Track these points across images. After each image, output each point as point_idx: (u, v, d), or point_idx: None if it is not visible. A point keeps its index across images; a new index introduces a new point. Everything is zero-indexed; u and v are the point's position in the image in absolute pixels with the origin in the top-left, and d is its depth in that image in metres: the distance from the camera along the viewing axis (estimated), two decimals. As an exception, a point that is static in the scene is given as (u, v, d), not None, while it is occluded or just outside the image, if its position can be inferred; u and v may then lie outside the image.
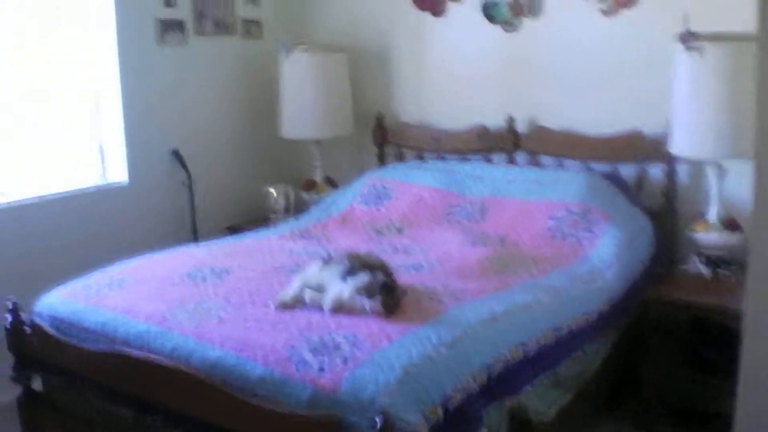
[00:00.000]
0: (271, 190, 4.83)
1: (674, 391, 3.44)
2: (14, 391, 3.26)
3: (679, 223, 3.89)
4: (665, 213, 3.91)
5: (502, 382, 2.61)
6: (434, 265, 3.40)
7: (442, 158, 4.58)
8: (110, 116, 4.44)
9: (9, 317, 3.14)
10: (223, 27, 4.84)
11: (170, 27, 4.57)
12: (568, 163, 4.20)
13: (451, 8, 4.57)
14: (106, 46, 4.36)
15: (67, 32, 4.27)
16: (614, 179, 3.97)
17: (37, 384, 3.26)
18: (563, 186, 3.89)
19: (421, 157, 4.69)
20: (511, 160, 4.36)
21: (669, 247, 3.88)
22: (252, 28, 5.00)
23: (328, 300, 2.80)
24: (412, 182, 4.33)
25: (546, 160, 4.29)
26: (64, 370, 3.06)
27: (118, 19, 4.33)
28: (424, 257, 3.53)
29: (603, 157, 4.09)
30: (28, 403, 3.23)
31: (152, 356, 2.68)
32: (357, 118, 4.87)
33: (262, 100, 5.00)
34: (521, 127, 4.33)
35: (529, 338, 2.81)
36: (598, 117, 4.11)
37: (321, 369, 2.40)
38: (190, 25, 4.66)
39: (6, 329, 3.16)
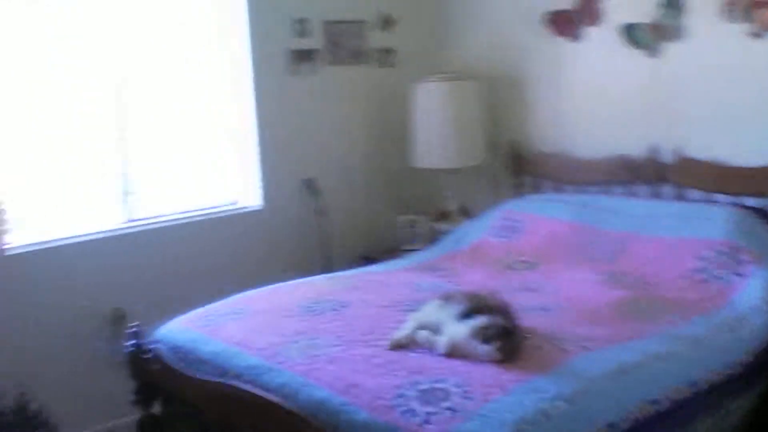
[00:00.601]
0: (404, 220, 4.75)
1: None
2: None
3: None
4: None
5: (628, 443, 2.39)
6: (563, 307, 3.19)
7: (581, 189, 4.35)
8: (246, 143, 4.48)
9: (131, 342, 3.17)
10: (357, 56, 4.81)
11: (304, 57, 4.59)
12: (717, 197, 3.89)
13: (589, 33, 4.35)
14: (242, 75, 4.44)
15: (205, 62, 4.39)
16: (767, 215, 3.65)
17: (157, 409, 3.27)
18: (710, 223, 3.59)
19: (558, 188, 4.49)
20: (655, 193, 4.10)
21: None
22: (385, 56, 4.95)
23: (442, 343, 2.66)
24: (546, 215, 4.13)
25: (693, 193, 3.99)
26: (181, 397, 3.06)
27: (254, 50, 4.40)
28: (554, 297, 3.33)
29: (755, 191, 3.76)
30: (148, 427, 3.25)
31: (259, 391, 2.62)
32: (492, 148, 4.74)
33: (395, 128, 4.93)
34: (666, 157, 4.06)
35: (661, 393, 2.56)
36: (750, 147, 3.78)
37: (427, 420, 2.25)
38: (323, 54, 4.67)
39: (128, 354, 3.19)
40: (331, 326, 2.99)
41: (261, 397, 2.59)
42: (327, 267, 4.53)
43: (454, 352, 2.62)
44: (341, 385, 2.51)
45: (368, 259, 4.57)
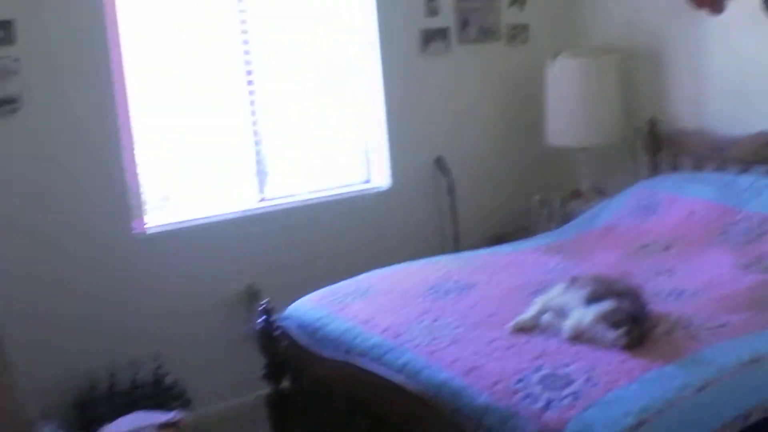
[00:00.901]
0: (536, 199, 4.68)
1: None
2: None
3: None
4: None
5: (759, 435, 2.28)
6: (697, 293, 3.05)
7: (721, 168, 4.16)
8: (375, 122, 4.51)
9: (262, 319, 3.26)
10: (487, 33, 4.74)
11: (433, 36, 4.56)
12: None
13: (731, 5, 4.12)
14: (371, 55, 4.45)
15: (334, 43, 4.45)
16: None
17: (286, 384, 3.35)
18: None
19: (698, 167, 4.31)
20: (802, 173, 3.87)
21: None
22: (518, 33, 4.85)
23: (567, 327, 2.60)
24: (684, 195, 3.96)
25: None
26: (307, 375, 3.14)
27: (381, 29, 4.41)
28: (688, 282, 3.19)
29: None
30: (277, 402, 3.33)
31: (382, 370, 2.65)
32: (628, 125, 4.57)
33: (528, 106, 4.83)
34: (814, 134, 3.83)
35: (799, 386, 2.43)
36: None
37: (547, 405, 2.22)
38: (453, 33, 4.62)
39: (258, 330, 3.29)
40: (456, 307, 2.99)
41: (382, 377, 2.62)
42: (456, 247, 4.52)
43: (578, 337, 2.57)
44: (462, 367, 2.50)
45: (498, 239, 4.52)
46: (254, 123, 4.21)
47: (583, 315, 2.61)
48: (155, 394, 3.78)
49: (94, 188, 3.74)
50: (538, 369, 2.40)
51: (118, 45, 3.77)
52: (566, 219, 4.46)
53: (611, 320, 2.53)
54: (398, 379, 2.58)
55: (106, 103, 3.73)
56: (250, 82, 4.18)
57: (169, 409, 3.54)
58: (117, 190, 3.79)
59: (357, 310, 3.08)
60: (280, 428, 3.35)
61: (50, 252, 3.65)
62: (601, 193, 4.63)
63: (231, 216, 4.13)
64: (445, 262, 3.66)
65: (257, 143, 4.22)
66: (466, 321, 2.84)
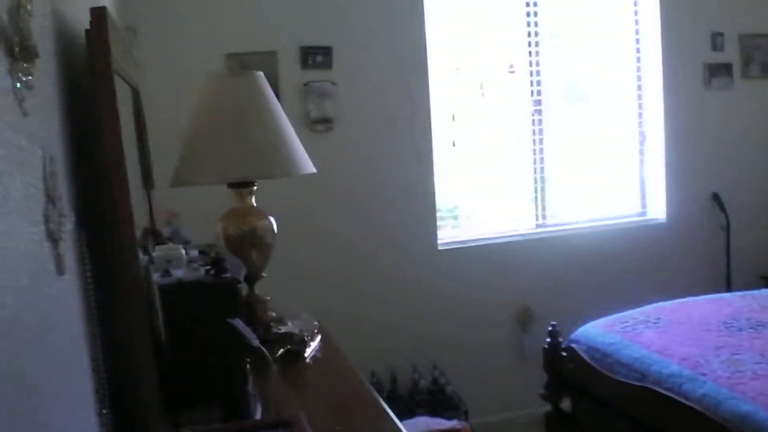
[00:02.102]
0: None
1: None
2: (544, 408, 3.56)
3: None
4: None
5: None
6: None
7: None
8: (654, 155, 4.58)
9: (548, 340, 3.42)
10: (768, 69, 4.70)
11: (717, 70, 4.58)
12: None
13: None
14: (653, 86, 4.55)
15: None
16: None
17: (566, 404, 3.51)
18: None
19: None
20: None
21: None
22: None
23: None
24: None
25: None
26: (593, 395, 3.26)
27: (665, 63, 4.48)
28: None
29: None
30: (555, 420, 3.50)
31: (682, 399, 2.73)
32: None
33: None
34: None
35: None
36: None
37: None
38: (737, 68, 4.62)
39: (544, 350, 3.45)
40: (753, 343, 3.03)
41: (683, 404, 2.72)
42: (728, 285, 4.49)
43: None
44: (767, 400, 2.54)
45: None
46: (538, 151, 4.40)
47: None
48: (433, 401, 3.98)
49: (406, 204, 4.05)
50: None
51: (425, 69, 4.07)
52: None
53: None
54: (699, 407, 2.65)
55: (418, 124, 4.05)
56: (537, 111, 4.37)
57: (446, 417, 3.73)
58: (425, 206, 4.10)
59: (650, 338, 3.19)
60: (556, 445, 3.50)
61: (357, 257, 3.99)
62: None
63: (511, 238, 4.35)
64: (730, 298, 3.69)
65: (538, 171, 4.41)
66: (766, 357, 2.86)
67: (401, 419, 3.60)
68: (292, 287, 3.66)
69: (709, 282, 4.45)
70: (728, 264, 4.59)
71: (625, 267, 4.44)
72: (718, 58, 4.59)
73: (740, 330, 3.18)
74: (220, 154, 2.54)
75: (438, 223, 4.18)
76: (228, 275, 1.97)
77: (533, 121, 4.40)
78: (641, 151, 4.64)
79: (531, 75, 4.36)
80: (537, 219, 4.44)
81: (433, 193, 4.11)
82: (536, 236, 4.39)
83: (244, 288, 2.58)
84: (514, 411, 4.14)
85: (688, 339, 3.11)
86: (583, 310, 3.62)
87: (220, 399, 1.82)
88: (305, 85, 3.84)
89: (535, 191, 4.44)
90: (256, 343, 1.83)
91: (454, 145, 4.30)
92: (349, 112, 3.93)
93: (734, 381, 2.71)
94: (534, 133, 4.41)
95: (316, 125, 3.87)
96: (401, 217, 4.04)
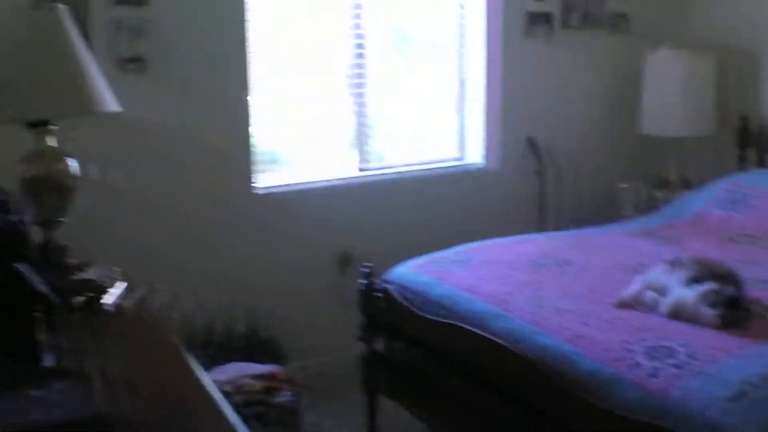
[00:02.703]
0: (623, 185, 4.79)
1: None
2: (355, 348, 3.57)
3: None
4: None
5: None
6: (790, 282, 3.17)
7: (813, 167, 4.24)
8: (473, 101, 4.67)
9: (363, 281, 3.44)
10: (590, 21, 4.84)
11: (538, 19, 4.67)
12: None
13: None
14: (476, 33, 4.61)
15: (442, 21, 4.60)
16: None
17: (380, 345, 3.53)
18: None
19: (786, 165, 4.39)
20: None
21: None
22: (619, 22, 4.93)
23: (666, 304, 2.75)
24: (773, 190, 4.06)
25: None
26: (406, 335, 3.32)
27: (488, 9, 4.55)
28: (780, 273, 3.31)
29: None
30: (371, 362, 3.51)
31: (488, 334, 2.82)
32: (719, 119, 4.65)
33: (624, 94, 4.93)
34: None
35: None
36: None
37: (653, 374, 2.37)
38: (557, 18, 4.73)
39: (359, 291, 3.48)
40: (557, 281, 3.14)
41: (489, 340, 2.79)
42: (541, 227, 4.65)
43: (678, 315, 2.71)
44: (568, 334, 2.66)
45: (584, 223, 4.63)
46: (359, 95, 4.38)
47: (684, 294, 2.74)
48: (249, 347, 3.90)
49: (219, 147, 3.92)
50: (642, 341, 2.55)
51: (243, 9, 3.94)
52: (652, 207, 4.57)
53: (712, 301, 2.66)
54: (504, 342, 2.74)
55: (236, 64, 3.92)
56: (359, 55, 4.34)
57: (262, 362, 3.65)
58: (241, 150, 4.00)
59: (460, 277, 3.25)
60: (372, 387, 3.52)
61: (170, 203, 3.85)
62: (687, 183, 4.73)
63: (332, 183, 4.32)
64: (539, 239, 3.82)
65: (360, 114, 4.39)
66: (568, 294, 2.99)
67: (214, 366, 3.56)
68: (103, 235, 3.53)
69: (525, 225, 4.57)
70: (542, 208, 4.76)
71: (445, 211, 4.50)
72: (540, 7, 4.68)
73: (546, 268, 3.29)
74: (14, 92, 2.41)
75: (257, 167, 4.09)
76: (13, 218, 1.85)
77: (356, 65, 4.36)
78: (462, 98, 4.71)
79: (355, 18, 4.32)
80: (360, 163, 4.44)
81: (248, 137, 4.00)
82: (358, 181, 4.38)
83: (39, 232, 2.46)
84: (333, 354, 4.11)
85: (496, 277, 3.19)
86: (404, 253, 3.64)
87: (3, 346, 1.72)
88: (117, 22, 3.65)
89: (358, 135, 4.43)
90: (43, 289, 1.75)
91: (273, 88, 4.21)
92: (164, 51, 3.74)
93: (537, 316, 2.81)
94: (357, 77, 4.38)
95: (127, 64, 3.69)
96: (215, 161, 3.90)
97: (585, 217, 4.76)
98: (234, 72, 3.93)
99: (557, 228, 4.39)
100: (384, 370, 3.50)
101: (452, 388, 3.06)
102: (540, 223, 4.72)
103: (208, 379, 1.86)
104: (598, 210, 4.89)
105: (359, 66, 4.36)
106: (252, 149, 4.06)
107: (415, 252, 3.63)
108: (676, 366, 2.38)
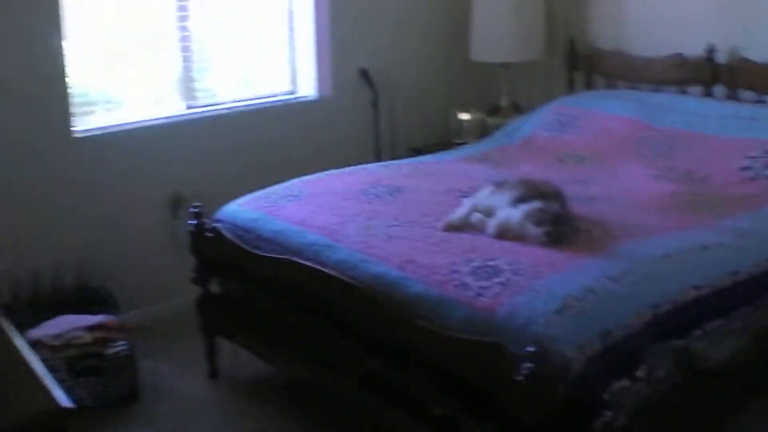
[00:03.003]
0: (457, 113, 4.82)
1: None
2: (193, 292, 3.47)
3: None
4: None
5: (668, 323, 2.49)
6: (613, 198, 3.27)
7: (635, 88, 4.36)
8: (302, 32, 4.53)
9: (193, 222, 3.32)
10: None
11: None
12: (772, 99, 3.90)
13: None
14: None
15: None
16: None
17: (215, 287, 3.45)
18: (762, 123, 3.63)
19: (612, 86, 4.51)
20: (708, 94, 4.09)
21: None
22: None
23: (492, 225, 2.77)
24: (600, 111, 4.17)
25: (747, 95, 3.99)
26: (240, 274, 3.23)
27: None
28: (604, 189, 3.41)
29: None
30: (207, 304, 3.43)
31: (319, 266, 2.77)
32: (549, 43, 4.73)
33: (454, 21, 4.92)
34: (722, 57, 4.04)
35: (704, 281, 2.65)
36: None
37: (480, 293, 2.39)
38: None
39: (190, 233, 3.35)
40: (388, 209, 3.12)
41: (321, 271, 2.75)
42: (378, 158, 4.63)
43: (505, 235, 2.74)
44: (397, 260, 2.65)
45: (419, 151, 4.65)
46: (183, 29, 4.17)
47: (509, 214, 2.77)
48: (80, 299, 3.73)
49: (31, 91, 3.66)
50: (469, 261, 2.57)
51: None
52: (485, 133, 4.62)
53: (537, 219, 2.70)
54: (336, 273, 2.70)
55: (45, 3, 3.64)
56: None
57: (95, 313, 3.51)
58: (55, 93, 3.72)
59: (291, 211, 3.18)
60: (210, 329, 3.45)
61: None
62: (519, 109, 4.81)
63: (157, 122, 4.10)
64: (373, 168, 3.79)
65: (185, 49, 4.19)
66: (399, 220, 2.98)
67: (42, 321, 3.36)
68: None
69: (362, 156, 4.53)
70: (378, 138, 4.73)
71: (279, 146, 4.38)
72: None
73: (378, 197, 3.26)
74: None
75: (77, 110, 3.83)
76: None
77: (179, -2, 4.15)
78: (291, 29, 4.58)
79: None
80: (187, 101, 4.25)
81: (64, 79, 3.72)
82: (186, 118, 4.18)
83: None
84: (171, 299, 3.99)
85: (327, 209, 3.13)
86: (239, 192, 3.53)
87: None
88: None
89: (184, 72, 4.23)
90: None
91: (92, 27, 3.94)
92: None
93: (367, 245, 2.78)
94: (181, 10, 4.16)
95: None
96: (27, 107, 3.63)
97: (421, 146, 4.79)
98: (43, 11, 3.64)
99: (394, 158, 4.37)
100: (221, 311, 3.42)
101: (290, 324, 3.02)
102: (376, 154, 4.69)
103: (21, 342, 1.71)
104: (435, 138, 4.92)
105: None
106: (68, 91, 3.77)
107: (250, 189, 3.53)
108: (502, 284, 2.41)
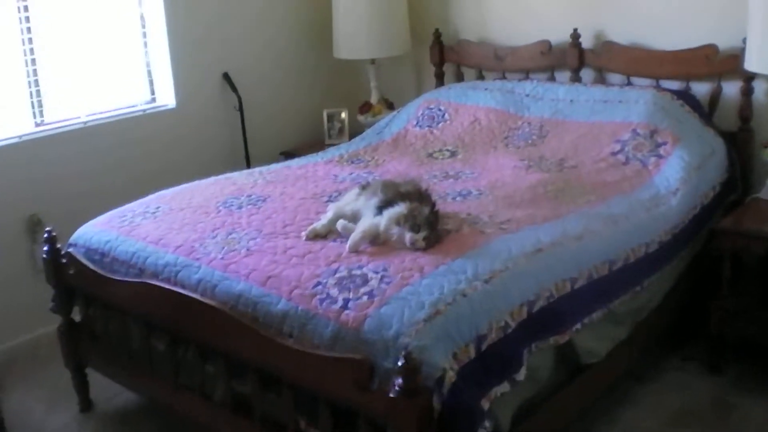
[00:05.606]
0: (326, 113, 4.68)
1: (744, 327, 3.17)
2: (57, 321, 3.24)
3: (755, 146, 3.57)
4: (741, 135, 3.60)
5: (545, 319, 2.42)
6: (484, 192, 3.18)
7: (503, 77, 4.31)
8: (157, 39, 4.30)
9: (46, 248, 3.08)
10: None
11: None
12: (638, 81, 3.90)
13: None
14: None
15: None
16: (686, 97, 3.66)
17: (76, 314, 3.21)
18: (629, 105, 3.62)
19: (481, 76, 4.44)
20: (576, 78, 4.07)
21: (744, 172, 3.59)
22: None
23: (358, 232, 2.62)
24: (468, 103, 4.10)
25: (613, 77, 4.00)
26: (101, 300, 3.01)
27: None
28: (475, 183, 3.32)
29: (674, 74, 3.78)
30: (68, 333, 3.20)
31: (178, 288, 2.59)
32: (415, 37, 4.63)
33: (317, 19, 4.78)
34: (587, 42, 4.02)
35: (579, 271, 2.60)
36: (670, 30, 3.79)
37: (345, 306, 2.25)
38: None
39: (44, 259, 3.11)
40: (250, 220, 2.95)
41: (179, 294, 2.56)
42: (247, 164, 4.46)
43: (372, 242, 2.60)
44: (259, 276, 2.48)
45: (289, 155, 4.48)
46: (28, 41, 3.88)
47: (374, 221, 2.64)
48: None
49: None
50: (335, 272, 2.43)
51: None
52: (356, 132, 4.50)
53: (404, 224, 2.56)
54: (196, 294, 2.52)
55: None
56: (24, 9, 3.85)
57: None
58: None
59: (147, 230, 2.97)
60: (73, 358, 3.22)
61: None
62: (390, 105, 4.70)
63: (6, 142, 3.81)
64: (237, 177, 3.60)
65: (32, 63, 3.90)
66: (261, 232, 2.81)
67: None
68: None
69: (230, 164, 4.35)
70: (245, 143, 4.54)
71: (140, 159, 4.16)
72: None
73: (240, 208, 3.09)
74: None
75: None
76: None
77: (19, 8, 3.85)
78: (143, 35, 4.33)
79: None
80: (35, 118, 3.96)
81: None
82: (35, 137, 3.89)
83: None
84: (34, 329, 3.74)
85: (185, 225, 2.94)
86: (99, 209, 3.30)
87: None
88: None
89: (29, 87, 3.93)
90: None
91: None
92: None
93: (228, 261, 2.61)
94: (21, 22, 3.87)
95: None
96: None
97: (292, 149, 4.63)
98: None
99: (264, 164, 4.18)
100: (84, 341, 3.18)
101: (155, 350, 2.81)
102: (247, 161, 4.51)
103: None
104: (305, 140, 4.77)
105: (24, 9, 3.84)
106: None
107: (112, 206, 3.31)
108: (369, 294, 2.28)
